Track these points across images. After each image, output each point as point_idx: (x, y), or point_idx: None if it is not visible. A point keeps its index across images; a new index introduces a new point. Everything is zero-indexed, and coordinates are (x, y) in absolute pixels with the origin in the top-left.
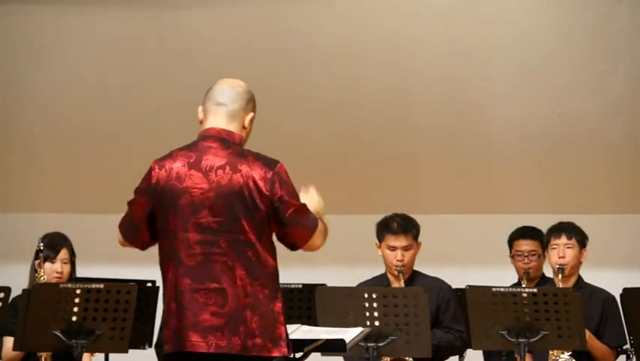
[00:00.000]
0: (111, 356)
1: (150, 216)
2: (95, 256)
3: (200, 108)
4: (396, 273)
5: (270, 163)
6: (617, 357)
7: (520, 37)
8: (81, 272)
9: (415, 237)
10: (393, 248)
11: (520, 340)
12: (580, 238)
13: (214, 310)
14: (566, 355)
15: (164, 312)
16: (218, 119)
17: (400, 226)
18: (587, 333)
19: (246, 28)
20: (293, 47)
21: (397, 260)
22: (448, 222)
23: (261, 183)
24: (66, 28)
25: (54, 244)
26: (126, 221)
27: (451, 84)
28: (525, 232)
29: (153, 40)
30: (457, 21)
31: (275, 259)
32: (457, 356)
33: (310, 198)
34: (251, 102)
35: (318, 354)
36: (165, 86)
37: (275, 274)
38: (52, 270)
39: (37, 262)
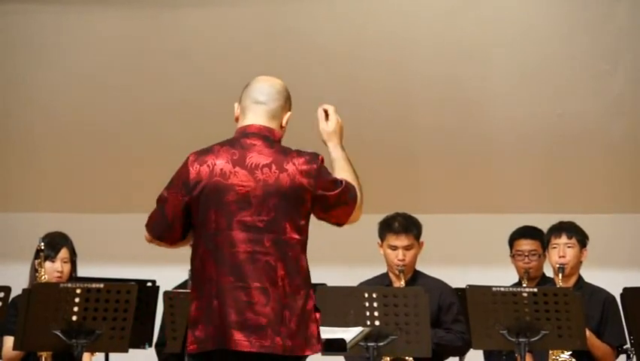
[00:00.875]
0: (111, 355)
1: (186, 213)
2: (95, 256)
3: (236, 105)
4: (397, 272)
5: (312, 157)
6: (617, 357)
7: (521, 37)
8: (81, 272)
9: (417, 236)
10: (394, 248)
11: (521, 340)
12: (580, 237)
13: (257, 309)
14: (566, 355)
15: (197, 307)
16: (257, 117)
17: (401, 225)
18: (587, 333)
19: (245, 28)
20: (293, 47)
21: (399, 260)
22: (448, 221)
23: (305, 180)
24: (66, 28)
25: (54, 243)
26: (157, 218)
27: (451, 84)
28: (526, 232)
29: (153, 40)
30: (457, 21)
31: (307, 260)
32: (456, 357)
33: (331, 122)
34: (289, 100)
35: (319, 354)
36: (165, 86)
37: (308, 274)
38: (53, 269)
39: (37, 261)
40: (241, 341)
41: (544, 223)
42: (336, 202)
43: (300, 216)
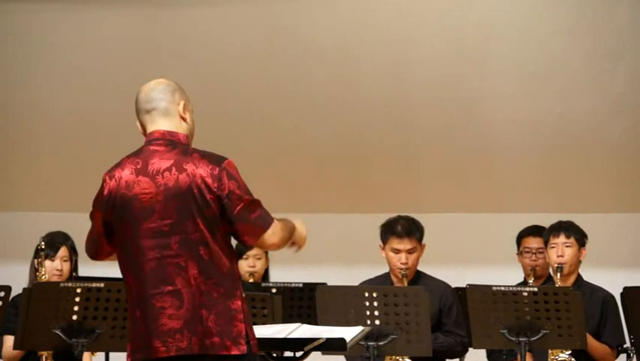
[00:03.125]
0: (111, 354)
1: (108, 228)
2: None
3: (137, 124)
4: (400, 276)
5: (217, 160)
6: (617, 356)
7: (521, 36)
8: (82, 271)
9: (420, 240)
10: (397, 251)
11: (521, 339)
12: (579, 236)
13: (171, 312)
14: (566, 354)
15: (128, 319)
16: (155, 124)
17: (404, 228)
18: (587, 335)
19: (246, 27)
20: (293, 47)
21: (402, 263)
22: (448, 221)
23: (208, 180)
24: (66, 28)
25: (54, 242)
26: (89, 237)
27: (452, 84)
28: (535, 230)
29: (153, 39)
30: (458, 21)
31: (231, 258)
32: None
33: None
34: (176, 92)
35: (319, 353)
36: None
37: (232, 272)
38: (52, 268)
39: (37, 260)
40: (158, 347)
41: (544, 222)
42: (241, 214)
43: (210, 216)
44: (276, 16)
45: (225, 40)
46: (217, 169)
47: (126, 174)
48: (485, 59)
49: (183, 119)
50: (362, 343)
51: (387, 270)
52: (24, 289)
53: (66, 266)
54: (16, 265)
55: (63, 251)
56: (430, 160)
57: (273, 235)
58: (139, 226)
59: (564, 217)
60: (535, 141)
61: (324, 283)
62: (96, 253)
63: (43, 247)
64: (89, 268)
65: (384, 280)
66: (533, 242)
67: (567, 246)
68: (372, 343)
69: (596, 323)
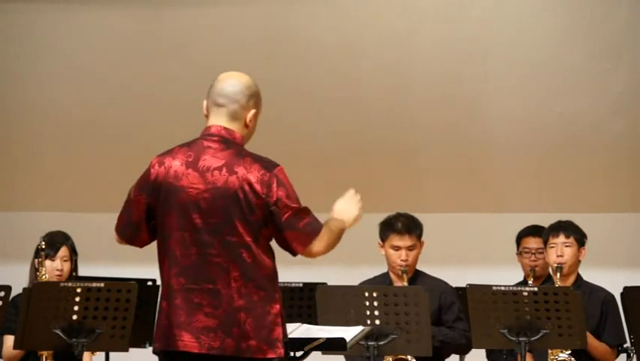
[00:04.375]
0: (112, 354)
1: (149, 214)
2: (96, 255)
3: (204, 102)
4: (400, 273)
5: (268, 165)
6: (617, 356)
7: (521, 35)
8: (82, 271)
9: (419, 237)
10: (397, 248)
11: (521, 339)
12: (578, 236)
13: (208, 310)
14: (565, 354)
15: (157, 311)
16: (218, 119)
17: (404, 225)
18: (587, 334)
19: (246, 26)
20: (293, 45)
21: (402, 260)
22: (447, 220)
23: (257, 186)
24: (67, 27)
25: (54, 241)
26: (123, 220)
27: (452, 83)
28: (534, 230)
29: (153, 39)
30: (458, 20)
31: (273, 261)
32: (457, 357)
33: (344, 203)
34: (252, 98)
35: (319, 353)
36: (166, 85)
37: (273, 276)
38: (53, 268)
39: (38, 260)
40: (190, 342)
41: (544, 222)
42: (289, 222)
43: (254, 220)
44: (277, 14)
45: (225, 40)
46: (267, 175)
47: (176, 164)
48: (485, 58)
49: (247, 125)
50: (362, 343)
51: (386, 270)
52: (24, 289)
53: (66, 266)
54: (16, 265)
55: (63, 251)
56: (431, 160)
57: (319, 242)
58: (184, 218)
59: (564, 217)
60: (535, 141)
61: (324, 283)
62: (132, 238)
63: (43, 246)
64: (89, 268)
65: (382, 279)
66: (533, 242)
67: (566, 246)
68: (373, 343)
69: (595, 322)
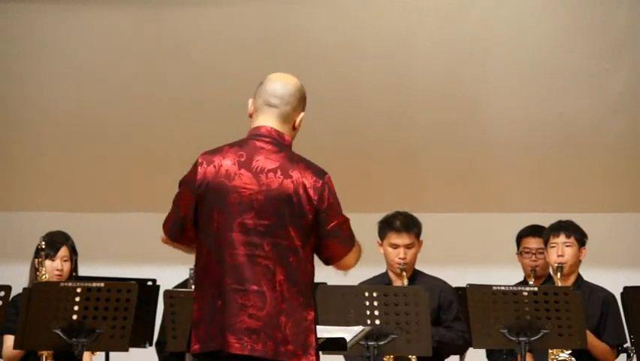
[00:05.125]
0: (112, 354)
1: (196, 212)
2: (96, 255)
3: (250, 101)
4: (398, 271)
5: (320, 172)
6: (617, 356)
7: (521, 35)
8: (82, 271)
9: (417, 235)
10: (395, 246)
11: (521, 339)
12: (579, 236)
13: (252, 312)
14: (566, 354)
15: (200, 308)
16: (269, 120)
17: (402, 223)
18: (587, 332)
19: (246, 26)
20: (293, 45)
21: (400, 258)
22: (448, 220)
23: (310, 191)
24: (67, 27)
25: (54, 241)
26: (172, 218)
27: (452, 83)
28: (534, 230)
29: (153, 39)
30: (458, 20)
31: (313, 269)
32: (457, 356)
33: None
34: (302, 101)
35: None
36: (166, 85)
37: (312, 282)
38: (53, 267)
39: (38, 260)
40: (233, 343)
41: (544, 222)
42: (333, 232)
43: (305, 225)
44: (277, 14)
45: (225, 40)
46: (320, 182)
47: (227, 163)
48: (485, 58)
49: (294, 128)
50: (362, 343)
51: (385, 270)
52: (24, 288)
53: (66, 266)
54: (16, 265)
55: (63, 251)
56: (430, 159)
57: (353, 256)
58: (234, 218)
59: (564, 217)
60: (535, 141)
61: (324, 283)
62: (180, 236)
63: (43, 246)
64: (89, 267)
65: (381, 279)
66: (533, 242)
67: (567, 246)
68: (373, 343)
69: (595, 322)
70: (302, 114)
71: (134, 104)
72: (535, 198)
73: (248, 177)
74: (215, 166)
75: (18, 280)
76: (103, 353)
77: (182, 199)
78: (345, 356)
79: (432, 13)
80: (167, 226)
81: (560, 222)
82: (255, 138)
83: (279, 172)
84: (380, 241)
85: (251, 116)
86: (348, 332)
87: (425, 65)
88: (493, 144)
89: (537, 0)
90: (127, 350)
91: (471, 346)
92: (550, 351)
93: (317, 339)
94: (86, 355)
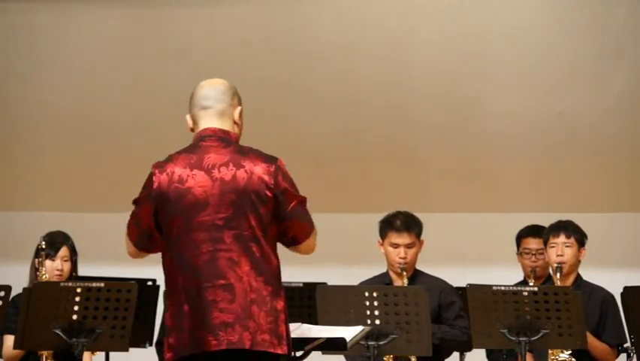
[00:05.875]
0: (112, 354)
1: (157, 222)
2: (96, 255)
3: (187, 116)
4: (399, 271)
5: (271, 158)
6: (617, 356)
7: (521, 35)
8: (82, 271)
9: (418, 235)
10: (396, 246)
11: (521, 339)
12: (578, 236)
13: (223, 306)
14: (566, 354)
15: (170, 316)
16: (209, 121)
17: (403, 223)
18: (587, 333)
19: (246, 26)
20: (293, 44)
21: (400, 258)
22: (448, 220)
23: (265, 177)
24: (67, 27)
25: (54, 241)
26: (135, 232)
27: (452, 82)
28: (534, 230)
29: (154, 39)
30: (458, 19)
31: (277, 257)
32: (457, 356)
33: None
34: (235, 96)
35: (319, 353)
36: (167, 85)
37: (278, 272)
38: (53, 267)
39: (38, 260)
40: (210, 340)
41: (544, 222)
42: (295, 211)
43: (264, 214)
44: (277, 14)
45: (226, 40)
46: (273, 166)
47: (179, 168)
48: (485, 58)
49: (236, 124)
50: (362, 342)
51: (386, 269)
52: (24, 288)
53: (66, 266)
54: (16, 265)
55: (64, 251)
56: (430, 159)
57: (313, 239)
58: (192, 219)
59: (564, 217)
60: (535, 140)
61: (324, 283)
62: (150, 246)
63: (43, 246)
64: (89, 267)
65: (382, 278)
66: (533, 243)
67: (567, 246)
68: (373, 342)
69: (595, 322)
70: (239, 109)
71: (134, 104)
72: (535, 198)
73: (201, 176)
74: (167, 174)
75: (18, 280)
76: (103, 353)
77: (141, 212)
78: (345, 356)
79: (432, 12)
80: (133, 239)
81: (559, 222)
82: (201, 140)
83: (230, 165)
84: (381, 241)
85: (192, 130)
86: (348, 332)
87: (425, 65)
88: (493, 143)
89: (537, 0)
90: (127, 350)
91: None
92: (550, 351)
93: (288, 330)
94: (86, 355)
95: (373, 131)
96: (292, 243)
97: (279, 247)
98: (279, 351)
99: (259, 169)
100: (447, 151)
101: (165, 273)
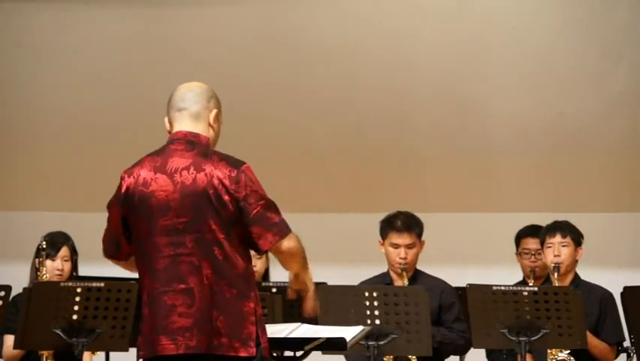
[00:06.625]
0: (112, 354)
1: (126, 227)
2: (96, 255)
3: (166, 119)
4: (399, 271)
5: (235, 163)
6: (617, 356)
7: (521, 35)
8: (82, 270)
9: (419, 235)
10: (396, 246)
11: (521, 338)
12: (575, 236)
13: (182, 310)
14: (565, 353)
15: (142, 319)
16: (182, 124)
17: (403, 223)
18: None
19: (247, 26)
20: (293, 45)
21: (400, 258)
22: (448, 220)
23: (226, 182)
24: (66, 27)
25: (55, 241)
26: (107, 237)
27: (452, 82)
28: (533, 230)
29: (154, 38)
30: (458, 19)
31: (246, 259)
32: (457, 356)
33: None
34: (212, 99)
35: (319, 353)
36: (167, 85)
37: (245, 274)
38: (53, 267)
39: (38, 260)
40: (167, 345)
41: (544, 222)
42: (257, 217)
43: (226, 216)
44: (277, 14)
45: (226, 40)
46: (235, 171)
47: (144, 171)
48: (485, 58)
49: (211, 126)
50: (362, 342)
51: (386, 270)
52: (24, 288)
53: (67, 266)
54: (16, 265)
55: (64, 251)
56: (430, 159)
57: (289, 240)
58: (155, 223)
59: (563, 217)
60: (535, 140)
61: (324, 283)
62: (116, 253)
63: (44, 246)
64: (89, 268)
65: (382, 278)
66: (532, 243)
67: (563, 245)
68: (373, 342)
69: (594, 320)
70: (215, 111)
71: (134, 104)
72: (535, 198)
73: (163, 180)
74: (134, 177)
75: (18, 280)
76: (103, 353)
77: (111, 217)
78: (345, 356)
79: (432, 12)
80: (104, 246)
81: (555, 222)
82: (170, 143)
83: (191, 168)
84: (381, 241)
85: (169, 132)
86: (348, 332)
87: (425, 65)
88: (494, 143)
89: (537, 0)
90: (127, 350)
91: (472, 346)
92: (549, 351)
93: (260, 330)
94: (86, 355)
95: (373, 131)
96: (259, 251)
97: None
98: (243, 354)
99: (219, 173)
100: (447, 151)
101: (139, 276)
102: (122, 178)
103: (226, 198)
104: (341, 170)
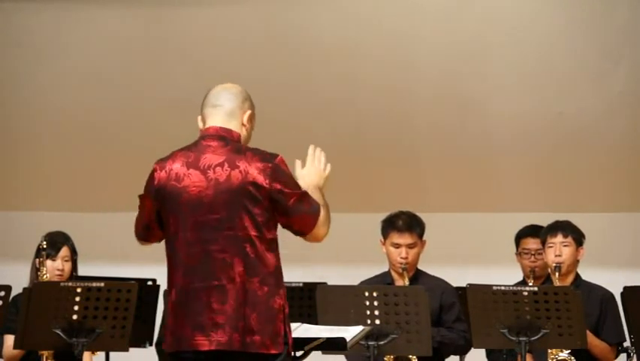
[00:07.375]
0: (112, 354)
1: (158, 216)
2: (96, 255)
3: (199, 118)
4: (400, 271)
5: (268, 157)
6: (617, 356)
7: (521, 35)
8: (82, 270)
9: (420, 235)
10: (397, 246)
11: (521, 338)
12: (576, 236)
13: (215, 307)
14: (565, 353)
15: (165, 311)
16: (215, 120)
17: (405, 223)
18: (587, 332)
19: (247, 26)
20: (293, 45)
21: (402, 258)
22: (448, 220)
23: (259, 178)
24: (66, 27)
25: (55, 241)
26: (139, 222)
27: (452, 82)
28: (533, 230)
29: (154, 38)
30: (458, 19)
31: (277, 256)
32: (457, 356)
33: (308, 171)
34: (247, 101)
35: (319, 352)
36: (167, 85)
37: (276, 271)
38: (54, 267)
39: (38, 260)
40: (200, 340)
41: (544, 222)
42: (296, 207)
43: (259, 213)
44: (277, 14)
45: (227, 40)
46: (269, 165)
47: (177, 166)
48: (485, 58)
49: (244, 126)
50: (362, 342)
51: (387, 269)
52: (24, 288)
53: (67, 266)
54: (16, 265)
55: (64, 251)
56: (431, 159)
57: (323, 225)
58: (186, 218)
59: (564, 217)
60: (535, 140)
61: (324, 283)
62: (148, 237)
63: (44, 246)
64: (89, 267)
65: (383, 278)
66: (532, 243)
67: (565, 245)
68: (373, 342)
69: (594, 320)
70: (249, 112)
71: (134, 104)
72: (535, 198)
73: (196, 175)
74: (166, 171)
75: (18, 280)
76: (103, 353)
77: (145, 207)
78: (345, 356)
79: (432, 12)
80: (137, 231)
81: (557, 222)
82: (202, 139)
83: (225, 165)
84: (382, 240)
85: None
86: (348, 332)
87: (425, 65)
88: (494, 143)
89: (537, 0)
90: (127, 350)
91: (472, 346)
92: (549, 351)
93: (287, 329)
94: (86, 355)
95: (374, 131)
96: (299, 235)
97: (280, 246)
98: (273, 351)
99: (254, 169)
100: (447, 151)
101: (167, 267)
102: (154, 170)
103: (259, 193)
104: (341, 170)
